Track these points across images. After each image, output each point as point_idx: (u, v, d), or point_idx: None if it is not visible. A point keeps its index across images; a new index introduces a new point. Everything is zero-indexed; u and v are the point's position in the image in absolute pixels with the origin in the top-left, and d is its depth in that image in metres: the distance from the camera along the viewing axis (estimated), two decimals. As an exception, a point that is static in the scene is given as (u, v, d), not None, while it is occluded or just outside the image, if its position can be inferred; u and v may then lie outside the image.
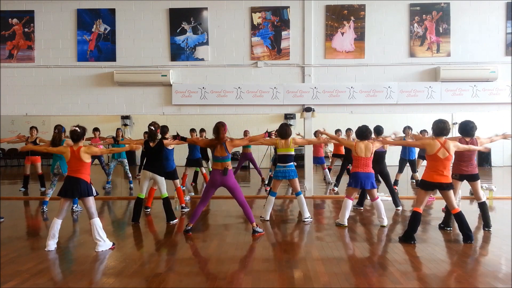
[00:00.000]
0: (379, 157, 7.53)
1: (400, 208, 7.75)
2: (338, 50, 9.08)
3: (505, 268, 4.61)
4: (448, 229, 6.17)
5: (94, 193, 5.36)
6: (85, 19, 9.16)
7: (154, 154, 6.80)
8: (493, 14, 8.99)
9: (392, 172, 8.56)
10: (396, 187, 9.48)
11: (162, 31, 9.13)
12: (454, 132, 8.55)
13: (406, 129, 9.75)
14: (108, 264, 4.81)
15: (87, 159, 5.25)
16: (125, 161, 10.33)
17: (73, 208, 7.68)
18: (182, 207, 7.73)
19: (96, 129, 10.50)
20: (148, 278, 4.29)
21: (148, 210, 7.66)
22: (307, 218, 6.83)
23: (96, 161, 10.93)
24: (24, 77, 9.18)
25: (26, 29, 9.18)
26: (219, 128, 5.90)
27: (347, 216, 6.50)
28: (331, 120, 10.81)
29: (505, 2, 8.97)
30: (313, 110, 9.03)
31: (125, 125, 13.10)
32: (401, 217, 7.19)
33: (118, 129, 10.36)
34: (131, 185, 10.39)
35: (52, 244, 5.25)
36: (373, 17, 9.04)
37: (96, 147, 6.08)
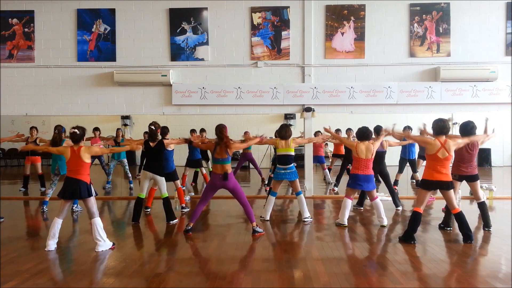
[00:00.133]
0: (379, 157, 7.52)
1: (400, 208, 7.75)
2: (338, 50, 9.08)
3: (505, 268, 4.61)
4: (448, 229, 6.17)
5: (94, 193, 5.36)
6: (85, 19, 9.16)
7: (154, 154, 6.79)
8: (493, 14, 8.99)
9: (392, 172, 8.56)
10: (396, 187, 9.49)
11: (162, 31, 9.13)
12: (454, 132, 8.54)
13: (406, 129, 9.74)
14: (108, 264, 4.81)
15: (87, 159, 5.25)
16: (125, 161, 10.33)
17: (73, 208, 7.68)
18: (182, 207, 7.73)
19: (96, 129, 10.51)
20: (148, 278, 4.29)
21: (148, 210, 7.66)
22: (307, 218, 6.82)
23: (96, 161, 10.93)
24: (24, 77, 9.18)
25: (26, 29, 9.18)
26: (222, 129, 5.90)
27: (347, 216, 6.50)
28: (331, 120, 10.72)
29: (505, 2, 8.97)
30: (313, 110, 9.03)
31: (125, 125, 13.11)
32: (401, 217, 7.20)
33: (118, 129, 10.37)
34: (131, 185, 10.39)
35: (52, 244, 5.25)
36: (373, 17, 9.04)
37: (97, 147, 6.07)
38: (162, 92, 9.15)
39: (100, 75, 9.18)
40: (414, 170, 10.27)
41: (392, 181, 8.37)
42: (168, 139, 7.03)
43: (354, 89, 8.98)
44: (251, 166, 12.65)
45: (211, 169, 8.92)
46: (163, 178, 6.91)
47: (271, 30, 9.08)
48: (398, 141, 8.02)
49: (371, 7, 9.04)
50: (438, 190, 5.52)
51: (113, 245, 5.36)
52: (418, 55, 9.06)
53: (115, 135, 10.33)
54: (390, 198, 7.95)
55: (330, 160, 12.48)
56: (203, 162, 10.11)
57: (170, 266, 4.79)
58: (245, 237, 5.89)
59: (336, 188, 9.98)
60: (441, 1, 9.01)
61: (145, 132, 7.75)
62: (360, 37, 9.05)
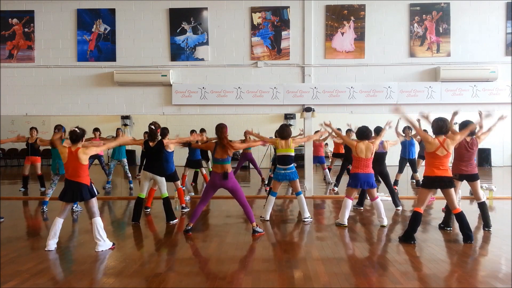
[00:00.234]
0: (379, 157, 7.52)
1: (400, 208, 7.75)
2: (338, 50, 9.09)
3: (505, 268, 4.61)
4: (448, 229, 6.17)
5: (96, 193, 5.35)
6: (85, 19, 9.16)
7: (154, 154, 6.79)
8: (493, 14, 9.00)
9: (392, 172, 8.56)
10: (396, 187, 9.48)
11: (162, 31, 9.13)
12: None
13: (406, 130, 9.75)
14: (108, 264, 4.81)
15: (84, 161, 5.21)
16: (125, 161, 10.33)
17: (73, 208, 7.67)
18: (182, 207, 7.73)
19: (96, 129, 10.49)
20: (148, 278, 4.29)
21: (148, 210, 7.66)
22: (307, 218, 6.82)
23: (96, 161, 10.93)
24: (24, 77, 9.18)
25: (26, 29, 9.18)
26: (222, 129, 5.90)
27: (347, 216, 6.50)
28: (331, 120, 10.78)
29: (505, 2, 8.97)
30: (313, 110, 9.03)
31: (125, 125, 13.12)
32: (401, 217, 7.20)
33: (118, 129, 10.36)
34: (131, 185, 10.39)
35: (52, 244, 5.24)
36: (373, 17, 9.04)
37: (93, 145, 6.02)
38: (162, 92, 9.15)
39: (100, 75, 9.18)
40: (414, 170, 10.27)
41: (392, 181, 8.37)
42: (167, 139, 7.02)
43: (354, 89, 8.98)
44: (251, 166, 12.65)
45: (211, 169, 8.92)
46: (163, 178, 6.91)
47: (271, 30, 9.08)
48: (396, 139, 7.98)
49: (371, 7, 9.04)
50: (438, 189, 5.52)
51: (113, 245, 5.36)
52: (418, 55, 9.06)
53: (115, 135, 10.32)
54: (390, 198, 7.95)
55: (330, 160, 12.48)
56: (203, 163, 10.11)
57: (170, 266, 4.79)
58: (245, 237, 5.89)
59: (336, 188, 9.98)
60: (441, 1, 9.02)
61: (145, 132, 7.75)
62: (360, 37, 9.05)
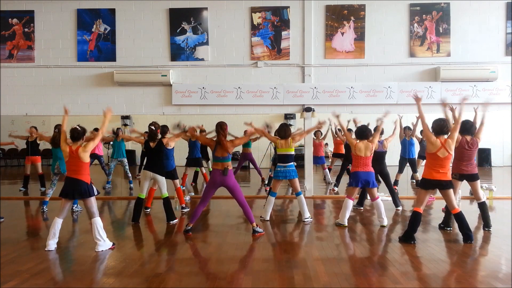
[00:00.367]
0: (379, 157, 7.53)
1: (400, 208, 7.75)
2: (338, 50, 9.09)
3: (505, 268, 4.61)
4: (448, 229, 6.17)
5: (95, 193, 5.36)
6: (85, 19, 9.16)
7: (154, 154, 6.80)
8: (493, 14, 9.00)
9: (392, 172, 8.56)
10: (396, 187, 9.48)
11: (162, 31, 9.13)
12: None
13: (406, 130, 9.74)
14: (108, 264, 4.81)
15: (86, 158, 5.24)
16: (125, 160, 10.33)
17: (73, 208, 7.68)
18: (182, 207, 7.73)
19: (96, 129, 10.46)
20: (148, 278, 4.29)
21: (148, 210, 7.66)
22: (307, 218, 6.82)
23: (96, 161, 10.93)
24: (24, 77, 9.18)
25: (26, 29, 9.18)
26: (222, 126, 5.91)
27: (347, 216, 6.50)
28: (330, 120, 10.78)
29: (505, 2, 8.97)
30: (313, 110, 9.03)
31: (125, 125, 13.09)
32: (401, 217, 7.20)
33: (118, 129, 10.36)
34: (131, 185, 10.39)
35: (52, 244, 5.24)
36: (373, 17, 9.04)
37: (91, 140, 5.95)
38: (162, 92, 9.15)
39: (100, 75, 9.18)
40: (414, 170, 10.26)
41: (392, 181, 8.36)
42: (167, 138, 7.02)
43: (354, 89, 8.99)
44: (251, 166, 12.65)
45: (211, 169, 8.92)
46: (164, 178, 6.91)
47: (271, 30, 9.08)
48: (391, 134, 7.89)
49: (371, 7, 9.04)
50: (437, 190, 5.52)
51: (113, 245, 5.36)
52: (418, 55, 9.06)
53: (114, 136, 10.31)
54: (390, 198, 7.95)
55: (330, 160, 12.47)
56: (203, 162, 10.11)
57: (170, 266, 4.79)
58: (245, 237, 5.89)
59: (336, 188, 9.98)
60: (441, 1, 9.02)
61: (145, 132, 7.75)
62: (360, 37, 9.05)
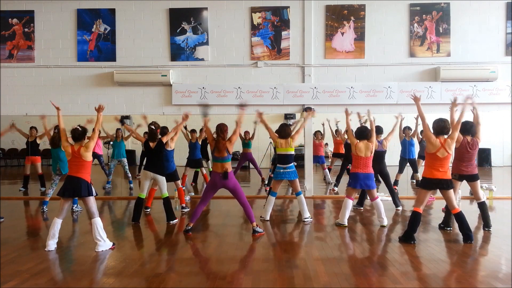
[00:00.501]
0: (379, 156, 7.52)
1: (400, 208, 7.75)
2: (338, 50, 9.09)
3: (505, 268, 4.61)
4: (448, 229, 6.17)
5: (94, 193, 5.36)
6: (85, 19, 9.16)
7: (154, 154, 6.80)
8: (493, 14, 9.00)
9: (392, 172, 8.56)
10: (396, 187, 9.48)
11: (162, 31, 9.13)
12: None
13: (406, 130, 9.74)
14: (108, 264, 4.81)
15: (88, 157, 5.25)
16: (125, 160, 10.33)
17: (73, 208, 7.68)
18: (183, 207, 7.73)
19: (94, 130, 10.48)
20: (148, 278, 4.29)
21: (148, 210, 7.66)
22: (307, 218, 6.82)
23: (96, 161, 10.93)
24: (24, 77, 9.18)
25: (26, 29, 9.19)
26: (221, 128, 5.90)
27: (347, 216, 6.50)
28: (331, 120, 10.80)
29: (505, 2, 8.97)
30: (313, 110, 9.01)
31: (122, 124, 13.07)
32: (401, 217, 7.20)
33: (118, 129, 10.36)
34: (131, 185, 10.39)
35: (52, 244, 5.24)
36: (373, 17, 9.04)
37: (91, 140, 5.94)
38: (162, 92, 9.16)
39: (100, 75, 9.18)
40: (415, 170, 10.26)
41: (392, 181, 8.36)
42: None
43: (354, 89, 8.99)
44: (251, 166, 12.65)
45: (211, 169, 8.92)
46: (164, 178, 6.91)
47: (271, 30, 9.08)
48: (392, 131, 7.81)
49: (371, 7, 9.04)
50: (438, 190, 5.52)
51: (113, 245, 5.36)
52: (418, 55, 9.06)
53: (114, 135, 10.34)
54: (390, 198, 7.95)
55: (330, 160, 12.47)
56: (203, 162, 10.12)
57: (170, 266, 4.79)
58: (245, 237, 5.89)
59: (336, 188, 9.98)
60: (441, 1, 9.02)
61: (145, 132, 7.76)
62: (360, 37, 9.05)
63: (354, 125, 7.33)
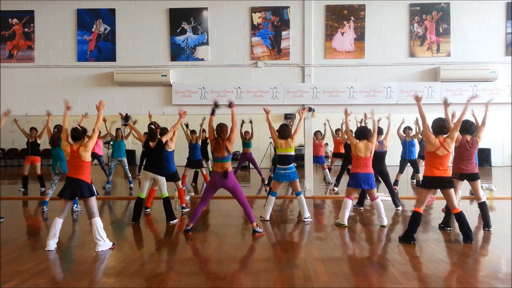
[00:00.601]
0: (379, 157, 7.52)
1: (400, 208, 7.75)
2: (338, 50, 9.09)
3: (505, 268, 4.61)
4: (448, 229, 6.17)
5: (95, 193, 5.36)
6: (85, 19, 9.16)
7: (154, 154, 6.80)
8: (493, 14, 9.00)
9: (392, 172, 8.56)
10: (396, 187, 9.48)
11: (162, 31, 9.13)
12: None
13: (406, 130, 9.73)
14: (108, 264, 4.81)
15: (87, 158, 5.25)
16: (125, 160, 10.33)
17: (73, 208, 7.68)
18: (183, 207, 7.73)
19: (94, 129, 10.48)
20: (148, 278, 4.29)
21: (148, 210, 7.66)
22: (307, 218, 6.82)
23: (96, 161, 10.93)
24: (24, 77, 9.18)
25: (26, 29, 9.19)
26: (221, 128, 5.90)
27: (347, 216, 6.50)
28: (331, 120, 10.80)
29: (505, 2, 8.97)
30: (313, 110, 9.03)
31: (125, 125, 13.08)
32: (401, 217, 7.20)
33: (117, 129, 10.36)
34: (131, 185, 10.39)
35: (52, 244, 5.24)
36: (373, 17, 9.04)
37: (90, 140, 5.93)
38: (162, 92, 9.16)
39: (100, 75, 9.18)
40: (416, 170, 10.25)
41: (392, 181, 8.36)
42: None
43: (354, 89, 8.99)
44: (251, 166, 12.65)
45: (211, 169, 8.92)
46: (164, 178, 6.91)
47: (271, 30, 9.09)
48: (388, 130, 7.79)
49: (371, 7, 9.04)
50: (438, 189, 5.52)
51: (113, 245, 5.36)
52: (418, 55, 9.06)
53: (114, 135, 10.34)
54: (390, 198, 7.95)
55: (330, 160, 12.47)
56: (203, 162, 10.11)
57: (170, 266, 4.79)
58: (245, 237, 5.89)
59: (336, 188, 9.98)
60: (441, 1, 9.02)
61: (145, 133, 7.76)
62: (360, 37, 9.05)
63: (354, 126, 7.34)
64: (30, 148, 9.84)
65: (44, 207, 7.74)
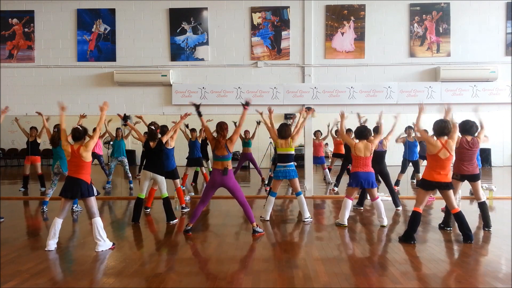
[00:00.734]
0: (379, 156, 7.53)
1: (400, 208, 7.75)
2: (338, 50, 9.09)
3: (505, 268, 4.61)
4: (448, 229, 6.17)
5: (95, 193, 5.36)
6: (85, 19, 9.16)
7: (154, 154, 6.80)
8: (493, 14, 9.00)
9: (392, 172, 8.56)
10: (397, 187, 9.48)
11: (162, 31, 9.13)
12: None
13: (407, 129, 9.73)
14: (108, 264, 4.81)
15: (88, 157, 5.25)
16: (125, 160, 10.33)
17: (73, 208, 7.68)
18: (182, 207, 7.73)
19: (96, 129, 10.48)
20: (148, 278, 4.29)
21: (148, 210, 7.66)
22: (307, 218, 6.82)
23: (96, 161, 10.93)
24: (24, 77, 9.18)
25: (26, 29, 9.18)
26: (221, 126, 5.90)
27: (347, 216, 6.50)
28: (331, 120, 10.81)
29: (505, 2, 8.97)
30: (313, 110, 9.01)
31: (125, 125, 13.08)
32: (401, 217, 7.19)
33: (117, 128, 10.37)
34: (131, 185, 10.39)
35: (52, 244, 5.24)
36: (373, 17, 9.04)
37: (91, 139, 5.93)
38: (162, 92, 9.16)
39: (100, 75, 9.18)
40: (417, 170, 10.26)
41: (394, 181, 8.35)
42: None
43: (354, 89, 8.99)
44: (251, 166, 12.65)
45: (211, 169, 8.92)
46: (164, 178, 6.91)
47: (271, 30, 9.08)
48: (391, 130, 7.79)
49: (371, 7, 9.04)
50: (437, 190, 5.52)
51: (113, 245, 5.36)
52: (418, 55, 9.06)
53: (114, 135, 10.34)
54: (390, 198, 7.95)
55: (330, 160, 12.47)
56: (203, 162, 10.12)
57: (170, 266, 4.79)
58: (245, 237, 5.89)
59: (336, 188, 9.98)
60: (441, 1, 9.02)
61: (145, 133, 7.76)
62: (360, 37, 9.05)
63: (354, 126, 7.34)
64: (30, 148, 9.84)
65: (44, 207, 7.74)
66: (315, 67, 9.09)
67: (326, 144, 12.41)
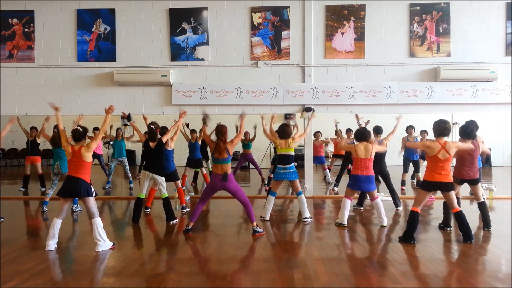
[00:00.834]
0: (379, 157, 7.51)
1: (400, 208, 7.74)
2: (338, 50, 9.09)
3: (505, 268, 4.61)
4: (448, 229, 6.17)
5: (93, 194, 5.36)
6: (85, 19, 9.16)
7: (154, 154, 6.80)
8: (493, 14, 9.00)
9: (392, 172, 8.54)
10: (404, 187, 9.49)
11: (162, 31, 9.13)
12: (455, 132, 8.54)
13: (409, 129, 9.71)
14: (108, 264, 4.81)
15: (88, 158, 5.25)
16: (125, 160, 10.33)
17: (73, 208, 7.68)
18: (183, 207, 7.73)
19: (96, 129, 10.48)
20: (148, 278, 4.29)
21: (148, 210, 7.66)
22: (307, 218, 6.82)
23: (96, 161, 10.93)
24: (24, 77, 9.18)
25: (26, 29, 9.18)
26: (221, 129, 5.90)
27: (346, 216, 6.50)
28: (331, 120, 10.80)
29: (505, 2, 8.97)
30: (313, 110, 9.02)
31: (125, 125, 13.08)
32: (401, 217, 7.19)
33: (118, 129, 10.37)
34: (131, 185, 10.39)
35: (52, 244, 5.24)
36: (373, 17, 9.04)
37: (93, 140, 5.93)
38: (162, 92, 9.16)
39: (100, 75, 9.18)
40: (417, 170, 10.27)
41: (399, 182, 8.32)
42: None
43: (354, 89, 8.99)
44: (251, 166, 12.66)
45: (211, 169, 8.92)
46: (163, 178, 6.91)
47: (271, 30, 9.08)
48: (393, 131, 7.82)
49: (371, 7, 9.04)
50: (438, 190, 5.53)
51: (113, 245, 5.36)
52: (418, 55, 9.06)
53: (114, 135, 10.35)
54: (390, 198, 7.94)
55: (330, 160, 12.48)
56: (203, 162, 10.12)
57: (170, 266, 4.79)
58: (245, 237, 5.89)
59: (336, 188, 9.98)
60: (441, 1, 9.01)
61: (145, 132, 7.76)
62: (360, 37, 9.05)
63: (354, 126, 7.33)
64: (30, 148, 9.85)
65: (44, 207, 7.75)
66: (315, 67, 9.09)
67: (326, 144, 12.41)
